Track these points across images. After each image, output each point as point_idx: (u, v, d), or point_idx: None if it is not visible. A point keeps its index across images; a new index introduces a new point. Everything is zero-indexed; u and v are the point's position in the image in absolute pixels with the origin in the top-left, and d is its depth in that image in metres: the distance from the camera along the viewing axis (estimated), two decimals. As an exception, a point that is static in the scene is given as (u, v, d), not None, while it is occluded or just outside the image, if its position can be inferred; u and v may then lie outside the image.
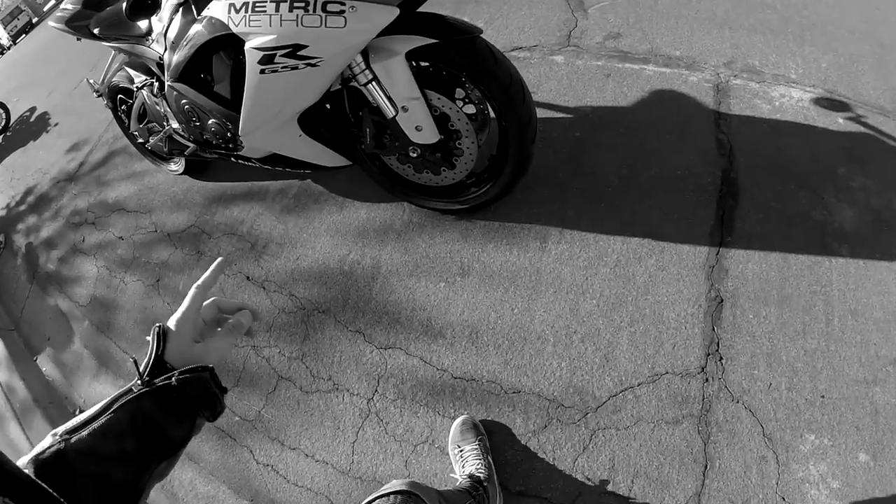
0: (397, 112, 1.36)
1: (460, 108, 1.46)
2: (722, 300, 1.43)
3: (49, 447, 0.48)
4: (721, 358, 1.35)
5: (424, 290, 1.67)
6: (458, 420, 1.42)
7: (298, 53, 1.23)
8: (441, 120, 1.44)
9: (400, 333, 1.63)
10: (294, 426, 1.64)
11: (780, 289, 1.41)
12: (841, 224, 1.47)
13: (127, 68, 1.99)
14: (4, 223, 3.34)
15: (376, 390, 1.57)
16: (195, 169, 2.42)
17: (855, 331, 1.31)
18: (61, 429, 0.50)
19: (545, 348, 1.47)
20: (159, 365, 0.56)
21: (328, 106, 1.57)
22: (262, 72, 1.29)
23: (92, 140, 3.29)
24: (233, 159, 1.84)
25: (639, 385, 1.36)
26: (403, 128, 1.39)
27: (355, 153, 1.67)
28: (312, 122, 1.59)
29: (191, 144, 1.89)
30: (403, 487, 0.82)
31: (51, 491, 0.42)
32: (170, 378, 0.54)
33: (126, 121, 2.29)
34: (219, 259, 0.69)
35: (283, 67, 1.26)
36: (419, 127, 1.39)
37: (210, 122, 1.63)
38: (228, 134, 1.63)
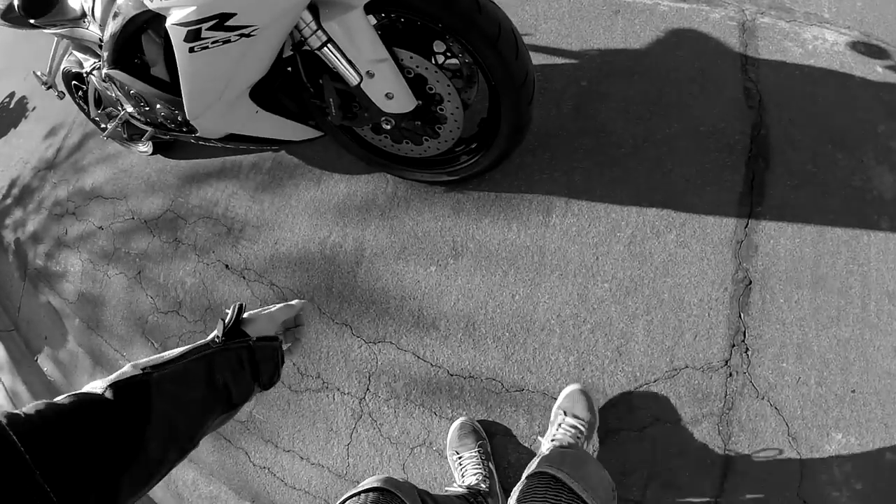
0: (362, 78, 1.12)
1: (440, 66, 1.22)
2: (750, 282, 1.22)
3: (130, 374, 0.49)
4: (747, 349, 1.18)
5: (413, 276, 1.49)
6: (456, 423, 1.28)
7: (227, 24, 1.00)
8: (417, 82, 1.20)
9: (389, 326, 1.47)
10: (286, 427, 1.54)
11: (814, 268, 1.20)
12: (881, 192, 1.24)
13: (75, 52, 1.79)
14: None
15: (368, 389, 1.44)
16: (165, 147, 2.23)
17: (891, 316, 1.14)
18: (142, 362, 0.52)
19: (550, 340, 1.30)
20: (234, 331, 0.61)
21: (290, 69, 1.34)
22: (192, 50, 1.06)
23: (67, 123, 3.09)
24: (193, 140, 1.64)
25: (655, 381, 1.20)
26: (371, 96, 1.16)
27: (325, 123, 1.45)
28: (271, 93, 1.37)
29: (148, 128, 1.71)
30: (378, 484, 0.76)
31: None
32: (246, 341, 0.61)
33: (85, 107, 2.09)
34: (304, 303, 0.74)
35: (213, 43, 1.04)
36: (390, 94, 1.16)
37: (157, 107, 1.43)
38: (179, 118, 1.42)
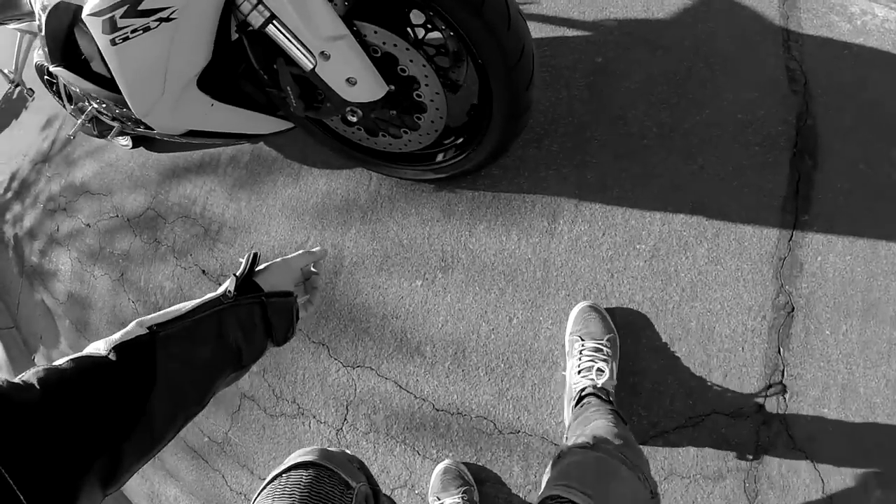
0: (316, 62, 0.91)
1: (419, 42, 1.00)
2: (793, 309, 0.99)
3: (135, 334, 0.47)
4: (785, 391, 0.97)
5: (397, 291, 1.30)
6: (440, 466, 1.10)
7: (140, 9, 0.85)
8: (387, 63, 0.98)
9: (369, 348, 1.29)
10: (262, 454, 1.40)
11: (865, 292, 0.98)
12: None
13: (42, 47, 1.65)
14: None
15: (346, 419, 1.27)
16: (145, 140, 2.08)
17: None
18: (147, 319, 0.49)
19: (553, 375, 1.09)
20: (247, 284, 0.57)
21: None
22: (114, 42, 0.91)
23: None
24: (158, 137, 1.47)
25: (675, 429, 0.98)
26: (330, 83, 0.95)
27: (291, 114, 1.25)
28: (230, 83, 1.17)
29: (114, 124, 1.56)
30: (308, 458, 0.59)
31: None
32: (259, 297, 0.57)
33: (61, 101, 1.96)
34: (324, 251, 0.70)
35: (133, 32, 0.88)
36: (352, 79, 0.94)
37: (105, 105, 1.27)
38: (133, 116, 1.26)
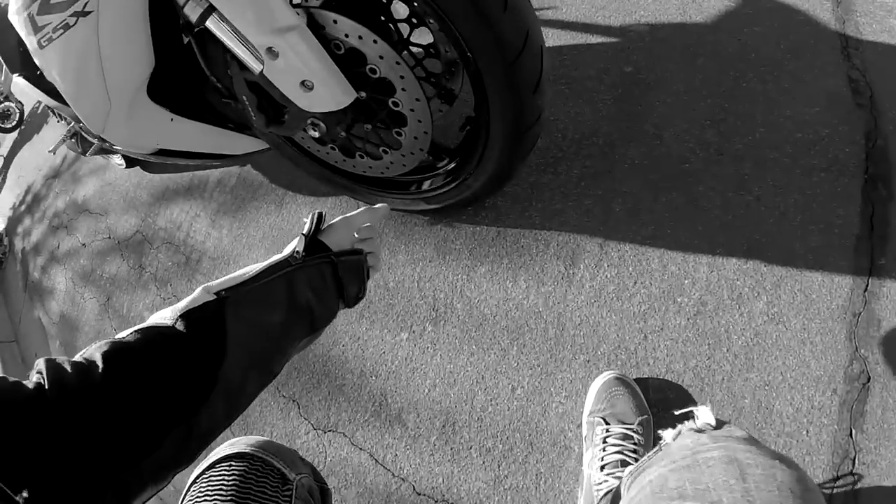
0: (264, 62, 0.73)
1: (398, 41, 0.81)
2: (869, 379, 0.75)
3: (203, 300, 0.45)
4: (855, 483, 0.72)
5: (378, 344, 1.08)
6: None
7: (52, 1, 0.73)
8: (354, 62, 0.78)
9: (343, 410, 1.07)
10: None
11: None
12: None
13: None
14: (10, 225, 3.23)
15: (313, 495, 1.05)
16: (139, 160, 1.98)
17: None
18: (214, 285, 0.47)
19: (565, 463, 0.85)
20: (314, 245, 0.55)
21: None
22: (41, 45, 0.82)
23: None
24: (137, 157, 1.34)
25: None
26: (282, 88, 0.77)
27: (261, 132, 1.08)
28: (189, 95, 1.02)
29: (94, 141, 1.44)
30: (236, 449, 0.54)
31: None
32: (328, 256, 0.54)
33: (54, 114, 1.89)
34: (386, 208, 0.66)
35: (55, 31, 0.77)
36: (308, 83, 0.75)
37: (66, 117, 1.15)
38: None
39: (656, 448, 0.50)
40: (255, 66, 0.74)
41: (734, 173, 0.93)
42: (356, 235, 0.60)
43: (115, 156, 2.06)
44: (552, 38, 1.19)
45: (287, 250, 0.54)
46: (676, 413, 0.66)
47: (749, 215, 0.90)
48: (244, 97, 0.87)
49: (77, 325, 2.05)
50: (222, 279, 0.48)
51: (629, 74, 1.07)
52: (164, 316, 0.43)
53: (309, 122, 0.84)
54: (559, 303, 0.95)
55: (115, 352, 0.39)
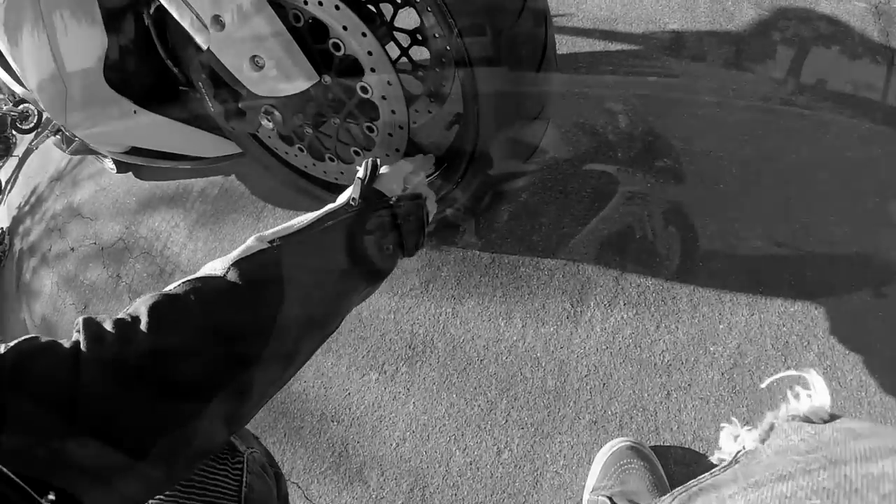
0: (210, 33, 0.61)
1: (381, 24, 0.69)
2: None
3: (256, 249, 0.43)
4: None
5: (343, 384, 0.92)
6: None
7: None
8: (317, 36, 0.64)
9: (299, 457, 0.91)
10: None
11: None
12: None
13: None
14: (13, 225, 3.23)
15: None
16: (131, 164, 1.91)
17: None
18: (268, 234, 0.45)
19: (554, 562, 0.67)
20: (369, 191, 0.53)
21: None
22: None
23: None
24: (116, 158, 1.25)
25: None
26: (228, 64, 0.64)
27: (227, 131, 0.95)
28: (153, 83, 0.91)
29: (75, 138, 1.36)
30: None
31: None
32: (386, 201, 0.53)
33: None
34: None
35: None
36: (258, 59, 0.62)
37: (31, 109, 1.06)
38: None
39: (726, 460, 0.35)
40: (202, 39, 0.62)
41: (776, 196, 0.78)
42: (405, 186, 0.57)
43: (106, 159, 1.99)
44: (567, 45, 1.06)
45: (342, 198, 0.52)
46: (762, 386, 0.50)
47: (795, 246, 0.73)
48: (199, 83, 0.75)
49: (55, 331, 1.96)
50: (276, 228, 0.45)
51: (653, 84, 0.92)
52: (215, 267, 0.42)
53: (262, 109, 0.71)
54: (562, 348, 0.79)
55: (161, 304, 0.37)
